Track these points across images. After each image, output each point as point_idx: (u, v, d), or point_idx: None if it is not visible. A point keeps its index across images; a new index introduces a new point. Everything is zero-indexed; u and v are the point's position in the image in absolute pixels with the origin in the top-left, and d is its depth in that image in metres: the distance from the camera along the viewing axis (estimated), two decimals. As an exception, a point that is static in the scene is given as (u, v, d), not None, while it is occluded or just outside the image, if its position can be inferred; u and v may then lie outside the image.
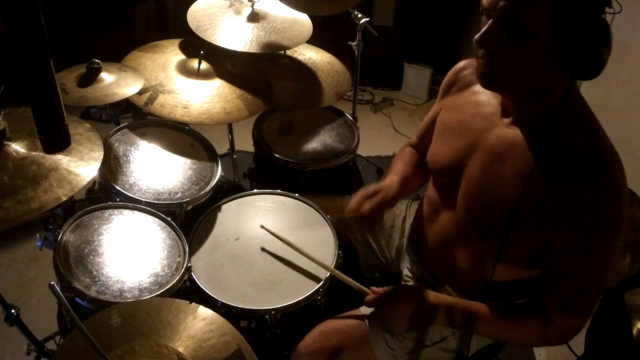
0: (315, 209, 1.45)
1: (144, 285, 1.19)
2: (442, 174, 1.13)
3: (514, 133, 0.95)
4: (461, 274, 1.12)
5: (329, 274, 1.24)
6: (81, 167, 1.17)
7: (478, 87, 1.08)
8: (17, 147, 1.14)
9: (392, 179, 1.23)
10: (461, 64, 1.14)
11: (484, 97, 1.06)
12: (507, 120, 0.98)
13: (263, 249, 1.32)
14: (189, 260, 1.27)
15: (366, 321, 1.17)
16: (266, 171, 1.81)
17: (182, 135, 1.63)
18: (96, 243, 1.25)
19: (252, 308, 1.17)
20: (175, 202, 1.42)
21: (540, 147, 0.91)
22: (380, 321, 1.13)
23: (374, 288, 1.10)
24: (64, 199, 1.09)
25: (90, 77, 1.46)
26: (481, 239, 1.02)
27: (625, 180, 0.89)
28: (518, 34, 0.82)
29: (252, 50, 1.64)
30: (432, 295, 1.07)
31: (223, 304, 1.17)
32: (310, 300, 1.21)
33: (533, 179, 0.90)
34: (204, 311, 1.08)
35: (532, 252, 0.97)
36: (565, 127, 0.89)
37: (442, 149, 1.13)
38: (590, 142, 0.88)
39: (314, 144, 1.77)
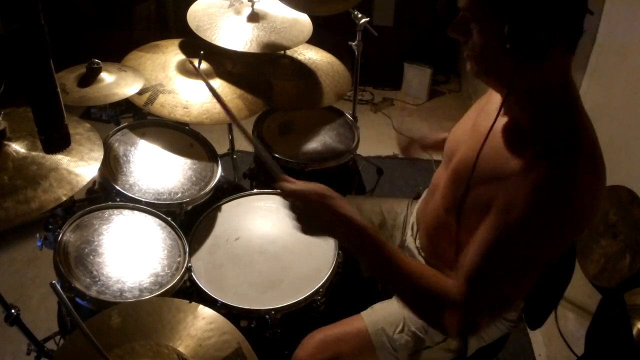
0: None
1: (144, 285, 1.19)
2: (446, 156, 1.17)
3: (501, 120, 0.97)
4: (449, 258, 1.12)
5: (329, 274, 1.24)
6: (81, 167, 1.17)
7: None
8: (17, 147, 1.14)
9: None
10: None
11: (495, 94, 1.08)
12: (501, 111, 1.00)
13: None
14: (189, 260, 1.27)
15: (368, 325, 1.17)
16: (266, 171, 1.80)
17: (182, 135, 1.63)
18: (96, 243, 1.25)
19: (252, 308, 1.17)
20: (175, 202, 1.42)
21: (518, 137, 0.92)
22: (287, 211, 1.01)
23: (289, 178, 1.02)
24: (64, 199, 1.09)
25: (90, 77, 1.46)
26: (446, 213, 1.04)
27: (600, 187, 0.87)
28: (473, 20, 0.89)
29: (252, 50, 1.64)
30: (348, 209, 0.96)
31: (223, 304, 1.17)
32: (310, 300, 1.21)
33: (503, 162, 0.91)
34: (203, 310, 1.08)
35: None
36: (549, 123, 0.89)
37: (452, 135, 1.18)
38: (569, 142, 0.87)
39: (314, 144, 1.77)
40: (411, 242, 1.30)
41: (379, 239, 0.95)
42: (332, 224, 0.95)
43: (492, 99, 1.08)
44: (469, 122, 1.13)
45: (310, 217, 0.96)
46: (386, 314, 1.19)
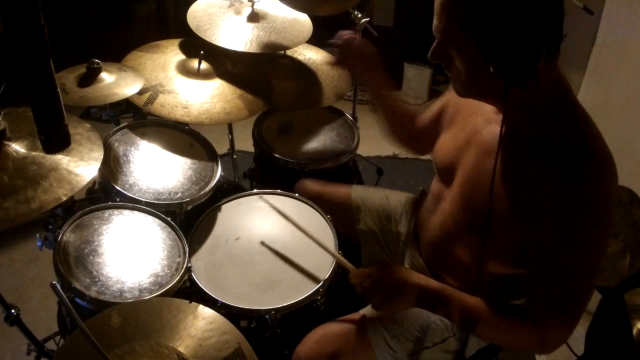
0: (315, 209, 1.45)
1: (144, 286, 1.19)
2: (442, 168, 1.16)
3: (504, 130, 0.96)
4: (456, 269, 1.13)
5: (329, 274, 1.24)
6: (81, 167, 1.17)
7: None
8: (17, 147, 1.14)
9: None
10: None
11: None
12: (500, 118, 0.99)
13: (263, 243, 1.34)
14: (189, 261, 1.27)
15: (367, 323, 1.17)
16: (266, 171, 1.80)
17: (182, 135, 1.63)
18: (96, 243, 1.25)
19: (252, 308, 1.17)
20: (175, 202, 1.42)
21: (525, 145, 0.92)
22: (367, 299, 1.12)
23: (362, 269, 1.12)
24: (64, 199, 1.09)
25: (90, 77, 1.46)
26: (467, 232, 1.04)
27: (615, 183, 0.88)
28: (452, 47, 0.89)
29: (252, 50, 1.64)
30: (417, 277, 1.06)
31: (223, 304, 1.17)
32: (310, 300, 1.21)
33: (518, 176, 0.92)
34: (203, 310, 1.08)
35: (516, 249, 0.97)
36: (553, 127, 0.90)
37: (444, 144, 1.17)
38: (578, 143, 0.88)
39: (314, 144, 1.77)
40: (412, 245, 1.30)
41: (453, 296, 1.03)
42: (406, 296, 1.04)
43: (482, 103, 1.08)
44: (461, 129, 1.11)
45: (385, 297, 1.04)
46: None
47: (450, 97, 1.21)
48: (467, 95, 0.98)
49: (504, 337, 1.02)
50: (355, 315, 1.20)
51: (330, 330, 1.17)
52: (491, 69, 0.83)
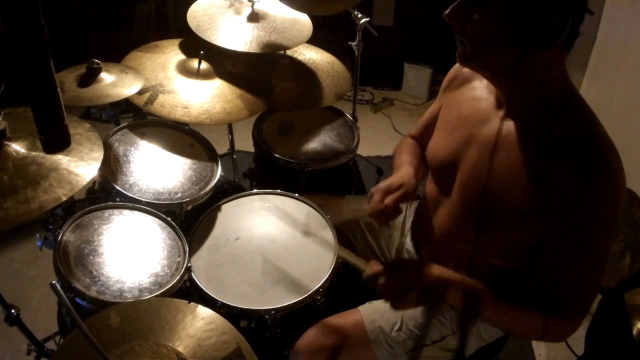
0: (315, 209, 1.45)
1: (144, 286, 1.19)
2: (440, 168, 1.15)
3: (507, 125, 0.96)
4: (460, 270, 1.13)
5: (329, 274, 1.25)
6: (81, 167, 1.17)
7: (476, 83, 1.10)
8: (17, 147, 1.14)
9: (407, 171, 1.23)
10: None
11: (481, 92, 1.07)
12: (501, 113, 0.99)
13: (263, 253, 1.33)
14: (189, 260, 1.27)
15: (365, 320, 1.17)
16: (266, 171, 1.81)
17: (182, 135, 1.63)
18: (96, 243, 1.25)
19: (252, 308, 1.17)
20: (175, 202, 1.42)
21: (532, 138, 0.92)
22: (384, 295, 1.06)
23: (374, 262, 1.06)
24: (64, 199, 1.09)
25: (90, 77, 1.46)
26: (476, 231, 1.03)
27: (623, 172, 0.89)
28: (477, 3, 0.86)
29: (252, 50, 1.64)
30: (437, 268, 1.02)
31: (223, 304, 1.17)
32: (310, 300, 1.21)
33: (529, 169, 0.92)
34: (202, 310, 1.08)
35: (527, 245, 0.97)
36: (560, 119, 0.90)
37: (440, 143, 1.15)
38: (587, 133, 0.88)
39: (314, 144, 1.77)
40: (410, 246, 1.30)
41: (468, 285, 1.00)
42: (427, 287, 1.00)
43: (473, 96, 1.06)
44: (459, 128, 1.09)
45: (401, 290, 1.00)
46: (384, 311, 1.19)
47: (444, 98, 1.20)
48: (472, 62, 0.95)
49: (517, 326, 1.02)
50: (353, 312, 1.20)
51: (329, 325, 1.17)
52: (512, 32, 0.82)
